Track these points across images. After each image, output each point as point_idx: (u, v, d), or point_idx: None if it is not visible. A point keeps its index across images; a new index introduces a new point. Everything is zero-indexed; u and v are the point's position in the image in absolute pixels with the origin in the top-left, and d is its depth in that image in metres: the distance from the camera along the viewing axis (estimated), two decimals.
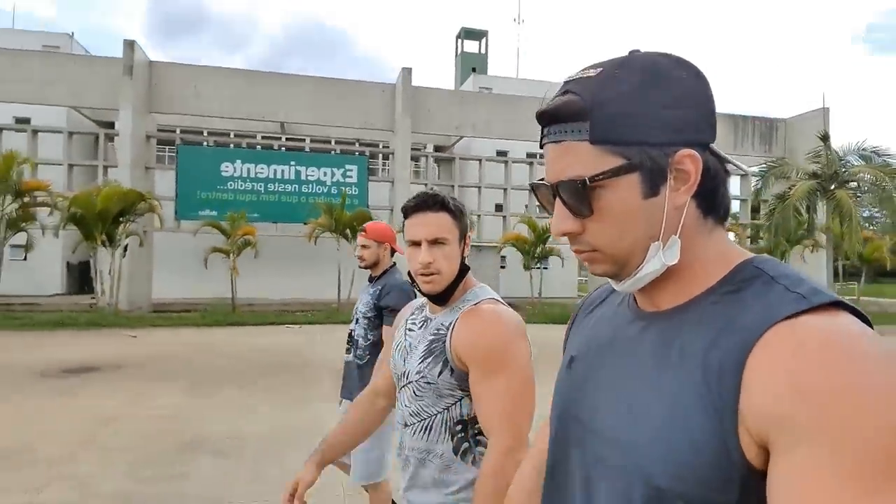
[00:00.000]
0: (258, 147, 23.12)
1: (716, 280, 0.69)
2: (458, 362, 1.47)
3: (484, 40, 41.51)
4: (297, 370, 8.80)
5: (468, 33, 41.16)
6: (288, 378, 8.14)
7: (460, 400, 1.50)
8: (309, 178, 21.99)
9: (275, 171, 21.77)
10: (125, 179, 18.51)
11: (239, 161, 21.55)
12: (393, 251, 3.20)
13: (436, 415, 1.51)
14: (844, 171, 15.54)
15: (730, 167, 0.74)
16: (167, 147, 24.49)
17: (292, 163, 22.05)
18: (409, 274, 1.65)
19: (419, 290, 1.60)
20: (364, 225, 3.19)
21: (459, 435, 1.50)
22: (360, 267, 3.17)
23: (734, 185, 25.58)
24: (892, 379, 0.54)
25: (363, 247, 3.13)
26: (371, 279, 3.17)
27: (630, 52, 0.71)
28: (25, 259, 23.72)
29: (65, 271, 25.86)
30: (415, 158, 24.07)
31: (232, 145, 23.12)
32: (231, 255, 15.73)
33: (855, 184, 15.71)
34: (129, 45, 19.56)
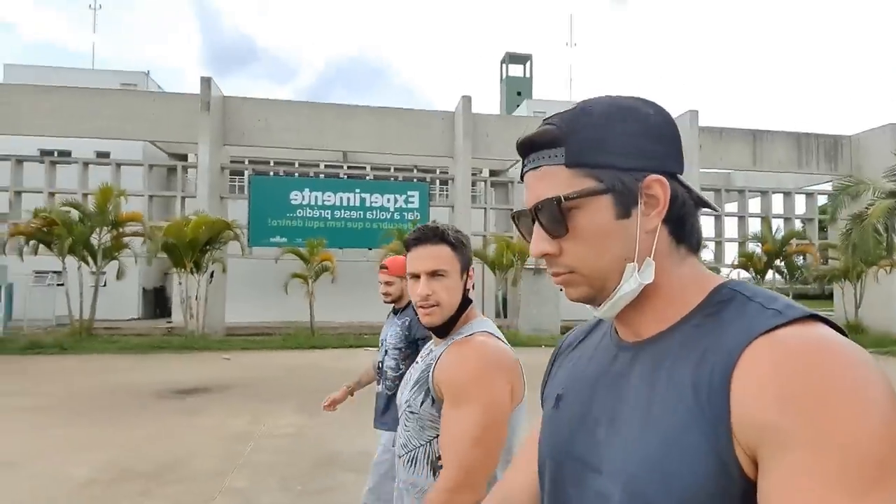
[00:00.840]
0: (323, 175, 24.01)
1: (694, 304, 0.73)
2: (438, 392, 1.45)
3: (528, 64, 41.98)
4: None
5: (512, 58, 41.69)
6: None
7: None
8: (373, 204, 22.67)
9: (340, 198, 22.53)
10: (203, 209, 19.49)
11: (307, 189, 22.38)
12: None
13: (419, 447, 1.50)
14: None
15: (701, 198, 0.78)
16: (236, 177, 25.57)
17: (357, 190, 22.78)
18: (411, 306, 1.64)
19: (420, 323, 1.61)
20: (384, 262, 3.21)
21: (440, 469, 1.43)
22: (385, 302, 3.22)
23: (800, 204, 25.17)
24: (868, 383, 0.56)
25: (387, 283, 3.17)
26: (395, 310, 3.23)
27: (602, 96, 0.78)
28: (105, 285, 25.07)
29: (141, 297, 27.03)
30: (472, 183, 24.55)
31: (297, 174, 24.03)
32: (309, 280, 16.30)
33: None
34: (206, 81, 20.70)
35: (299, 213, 22.21)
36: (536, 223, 0.76)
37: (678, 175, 0.75)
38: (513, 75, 41.07)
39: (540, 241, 0.76)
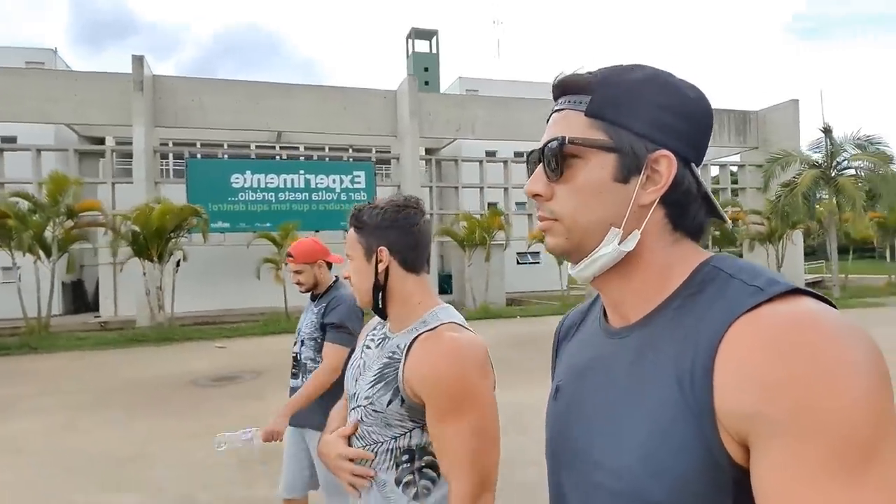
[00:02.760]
0: (255, 157, 23.30)
1: (678, 284, 0.72)
2: (412, 394, 1.36)
3: (435, 39, 42.10)
4: None
5: (418, 33, 41.57)
6: None
7: (411, 431, 1.40)
8: (318, 185, 22.30)
9: (284, 180, 21.98)
10: (140, 194, 18.44)
11: (248, 172, 21.65)
12: (329, 265, 3.02)
13: (381, 442, 1.42)
14: (844, 160, 17.26)
15: (709, 192, 0.76)
16: (163, 161, 24.25)
17: (301, 171, 22.31)
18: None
19: None
20: (289, 250, 2.99)
21: (405, 465, 1.40)
22: (301, 292, 3.01)
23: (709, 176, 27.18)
24: (852, 358, 0.55)
25: (296, 272, 2.95)
26: (314, 297, 3.01)
27: (651, 66, 0.76)
28: (20, 280, 23.16)
29: (60, 292, 25.22)
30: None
31: (227, 156, 23.15)
32: (282, 265, 15.94)
33: (852, 171, 17.45)
34: (139, 60, 19.52)
35: (241, 196, 21.44)
36: (540, 163, 0.77)
37: (693, 165, 0.74)
38: (419, 51, 40.87)
39: (535, 181, 0.77)
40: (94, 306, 24.74)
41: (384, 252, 1.46)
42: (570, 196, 0.74)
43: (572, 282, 31.35)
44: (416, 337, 1.39)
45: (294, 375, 2.92)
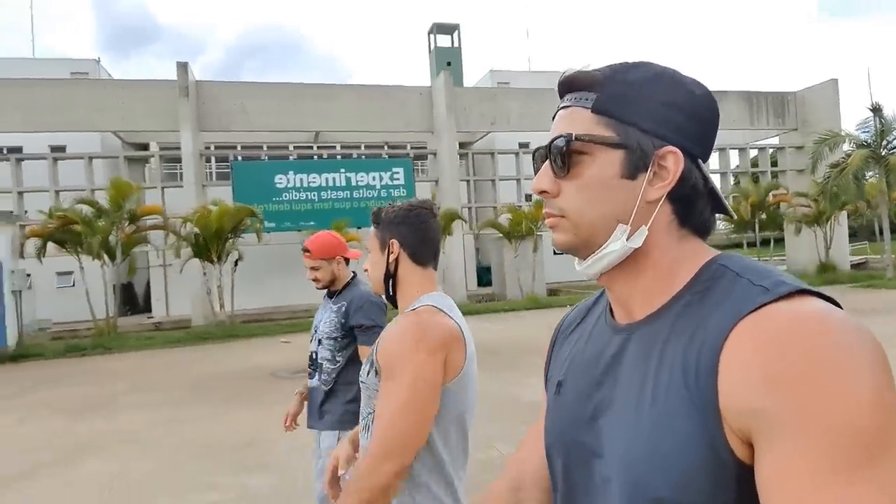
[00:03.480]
0: (294, 157, 23.75)
1: (685, 282, 0.72)
2: (378, 364, 1.52)
3: (456, 34, 42.12)
4: (488, 355, 9.73)
5: (440, 28, 41.55)
6: (491, 360, 9.07)
7: None
8: (359, 183, 22.65)
9: (326, 179, 22.38)
10: (189, 198, 19.00)
11: (291, 172, 22.12)
12: (347, 260, 2.87)
13: (369, 414, 1.56)
14: (894, 140, 17.11)
15: (716, 187, 0.77)
16: (208, 164, 24.83)
17: (342, 170, 22.68)
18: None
19: None
20: (305, 244, 2.82)
21: None
22: (318, 289, 2.86)
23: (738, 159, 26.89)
24: (856, 357, 0.55)
25: (312, 268, 2.79)
26: (331, 294, 2.85)
27: (656, 63, 0.77)
28: (74, 285, 23.91)
29: (112, 295, 26.02)
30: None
31: (266, 157, 23.63)
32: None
33: None
34: (183, 66, 20.03)
35: (285, 196, 21.92)
36: (547, 160, 0.77)
37: (700, 161, 0.75)
38: (441, 46, 40.78)
39: (542, 178, 0.77)
40: (144, 308, 25.48)
41: (395, 244, 1.64)
42: (577, 192, 0.74)
43: None
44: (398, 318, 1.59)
45: (311, 375, 2.79)
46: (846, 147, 17.64)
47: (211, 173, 24.94)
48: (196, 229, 14.80)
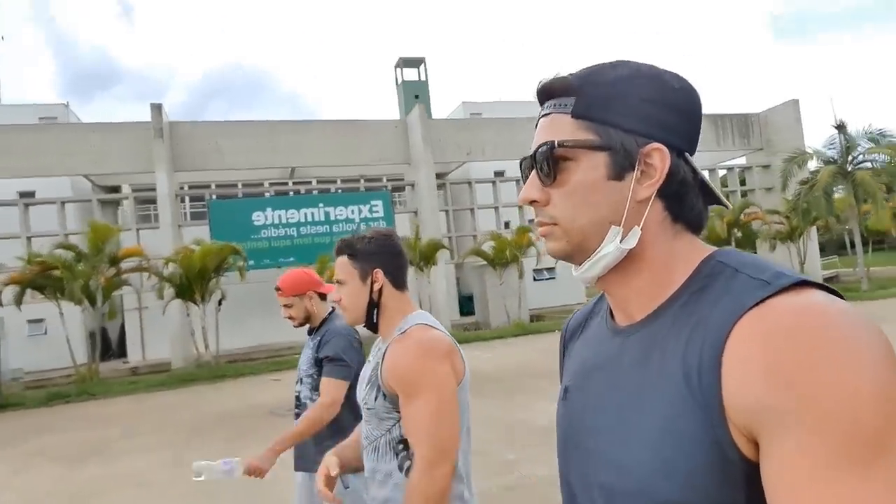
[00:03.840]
0: (269, 194, 23.67)
1: (682, 280, 0.71)
2: (388, 388, 1.59)
3: (422, 67, 42.75)
4: (490, 382, 9.69)
5: (406, 62, 42.15)
6: (495, 386, 9.03)
7: (398, 421, 1.61)
8: (338, 217, 22.63)
9: (304, 214, 22.33)
10: (166, 239, 18.76)
11: (269, 209, 22.01)
12: (322, 295, 2.83)
13: (380, 437, 1.64)
14: (859, 155, 17.76)
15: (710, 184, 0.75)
16: (182, 204, 24.56)
17: (320, 204, 22.66)
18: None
19: None
20: (277, 282, 2.81)
21: (403, 453, 1.61)
22: (294, 327, 2.84)
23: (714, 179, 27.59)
24: (860, 349, 0.54)
25: (286, 306, 2.78)
26: (310, 331, 2.84)
27: (631, 60, 0.76)
28: (46, 333, 23.24)
29: (87, 341, 25.34)
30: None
31: (241, 195, 23.49)
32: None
33: (868, 164, 17.93)
34: (157, 108, 19.96)
35: (264, 233, 21.76)
36: (533, 169, 0.76)
37: (687, 154, 0.74)
38: (408, 79, 41.32)
39: (530, 188, 0.76)
40: (118, 353, 24.84)
41: (379, 273, 1.72)
42: (566, 199, 0.73)
43: (591, 293, 31.67)
44: (391, 342, 1.66)
45: (297, 416, 2.76)
46: (813, 164, 18.27)
47: (186, 213, 24.66)
48: (179, 269, 14.54)
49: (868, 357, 0.54)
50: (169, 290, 14.88)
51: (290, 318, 2.79)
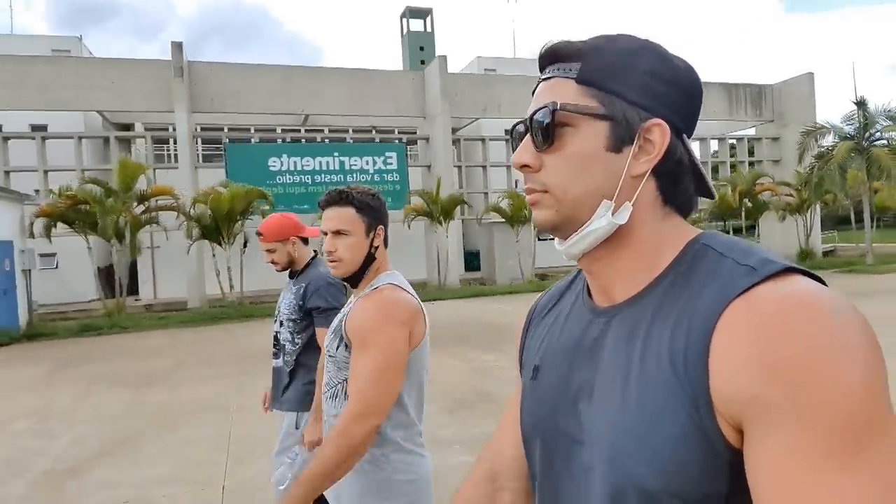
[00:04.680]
0: (282, 140, 23.68)
1: (668, 262, 0.70)
2: (348, 338, 1.68)
3: (429, 18, 41.94)
4: (482, 333, 10.12)
5: (413, 12, 41.30)
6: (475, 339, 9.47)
7: None
8: (352, 167, 22.72)
9: (320, 162, 22.39)
10: (185, 179, 18.90)
11: (285, 155, 22.06)
12: (305, 240, 2.88)
13: (338, 384, 1.72)
14: (876, 132, 18.08)
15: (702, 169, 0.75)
16: (198, 145, 24.54)
17: (336, 154, 22.72)
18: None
19: None
20: (259, 229, 2.83)
21: None
22: (277, 271, 2.86)
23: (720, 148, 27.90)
24: (848, 337, 0.54)
25: (268, 251, 2.81)
26: (292, 275, 2.85)
27: (638, 35, 0.74)
28: (57, 267, 23.41)
29: (96, 277, 25.58)
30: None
31: (253, 140, 23.49)
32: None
33: (885, 142, 18.26)
34: (178, 46, 19.80)
35: (279, 179, 21.86)
36: (528, 135, 0.73)
37: (684, 136, 0.73)
38: (414, 30, 40.54)
39: (523, 151, 0.74)
40: (127, 290, 25.12)
41: (382, 230, 1.79)
42: (560, 166, 0.71)
43: None
44: (361, 296, 1.74)
45: (275, 356, 2.81)
46: (829, 139, 18.60)
47: (198, 155, 24.61)
48: (208, 210, 14.73)
49: (856, 348, 0.54)
50: (195, 231, 15.07)
51: (273, 262, 2.82)
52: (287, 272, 2.85)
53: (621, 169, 0.70)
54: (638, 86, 0.69)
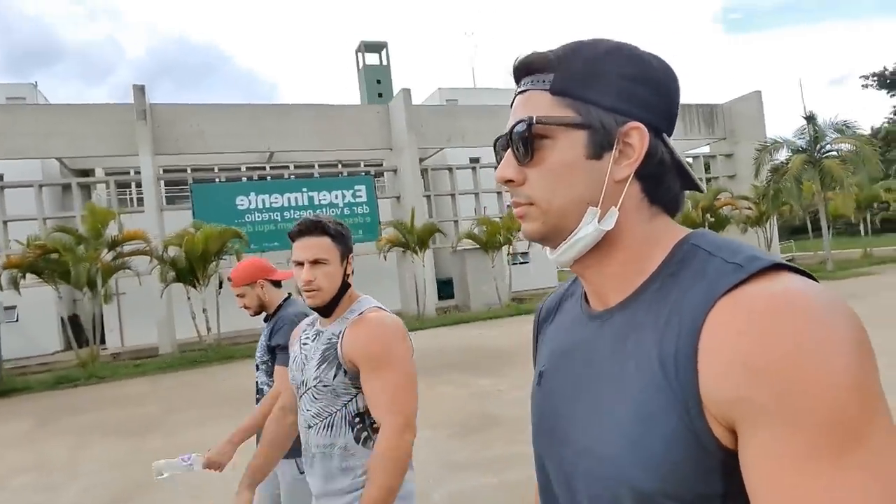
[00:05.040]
0: (246, 179, 23.55)
1: (658, 264, 0.70)
2: (349, 364, 1.70)
3: (384, 52, 42.46)
4: (472, 359, 10.18)
5: (368, 46, 41.71)
6: (465, 366, 9.53)
7: (355, 396, 1.73)
8: (322, 201, 22.69)
9: (288, 198, 22.31)
10: (152, 222, 18.58)
11: (253, 193, 21.92)
12: (277, 283, 2.92)
13: (335, 412, 1.73)
14: (826, 144, 19.03)
15: (686, 163, 0.75)
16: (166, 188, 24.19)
17: (304, 189, 22.68)
18: (298, 289, 1.80)
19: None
20: (229, 275, 2.90)
21: (359, 426, 1.72)
22: (251, 315, 2.90)
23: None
24: (836, 334, 0.54)
25: (239, 296, 2.85)
26: (267, 318, 2.89)
27: (609, 38, 0.74)
28: (17, 320, 22.61)
29: (60, 327, 24.73)
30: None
31: (218, 179, 23.31)
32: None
33: (835, 153, 19.20)
34: (140, 89, 19.65)
35: (248, 217, 21.66)
36: (509, 149, 0.74)
37: (665, 135, 0.73)
38: (370, 64, 40.97)
39: (506, 166, 0.74)
40: (92, 340, 24.35)
41: (352, 258, 1.85)
42: (543, 178, 0.72)
43: (563, 276, 32.50)
44: (348, 323, 1.76)
45: (258, 401, 2.84)
46: (783, 153, 19.50)
47: (162, 198, 24.26)
48: (181, 252, 14.52)
49: (844, 346, 0.53)
50: (170, 274, 14.83)
51: (245, 307, 2.85)
52: (264, 317, 2.87)
53: (603, 175, 0.70)
54: (612, 90, 0.70)
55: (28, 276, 13.76)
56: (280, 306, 2.84)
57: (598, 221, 0.70)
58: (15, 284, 13.44)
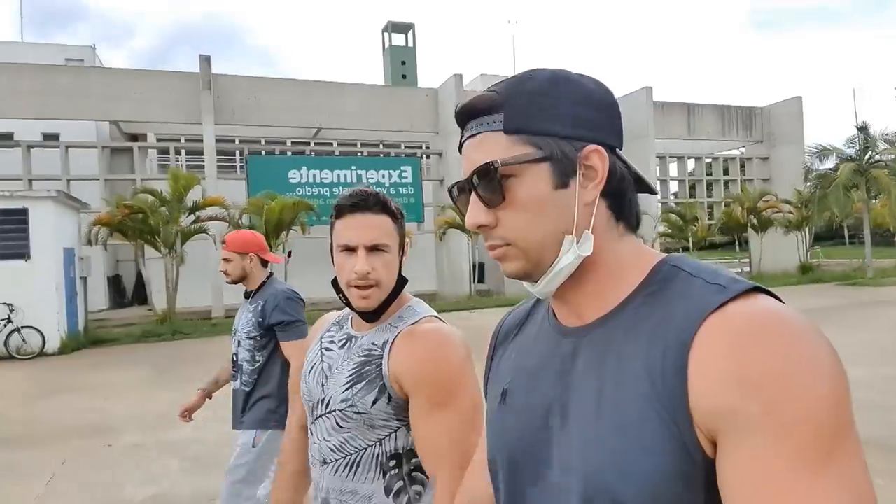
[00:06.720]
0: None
1: (636, 283, 0.71)
2: (399, 389, 1.30)
3: (411, 33, 42.38)
4: None
5: (395, 27, 41.63)
6: None
7: (395, 431, 1.32)
8: (369, 180, 23.28)
9: (337, 175, 22.91)
10: (211, 189, 19.19)
11: (304, 167, 22.52)
12: (264, 262, 2.91)
13: (364, 449, 1.32)
14: (876, 154, 19.58)
15: (643, 178, 0.77)
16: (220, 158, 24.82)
17: (353, 167, 23.28)
18: (333, 285, 1.40)
19: (346, 304, 1.40)
20: (225, 237, 2.93)
21: (393, 472, 1.32)
22: (227, 283, 2.88)
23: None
24: (817, 353, 0.57)
25: (225, 260, 2.83)
26: (247, 294, 2.88)
27: (544, 67, 0.76)
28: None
29: (107, 287, 25.45)
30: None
31: (263, 152, 23.89)
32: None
33: (884, 164, 19.74)
34: (206, 59, 20.19)
35: (298, 191, 22.22)
36: (473, 193, 0.73)
37: (618, 150, 0.75)
38: (396, 44, 40.94)
39: (476, 212, 0.73)
40: (133, 300, 25.00)
41: (408, 247, 1.43)
42: (516, 217, 0.72)
43: None
44: (398, 333, 1.34)
45: (233, 377, 2.83)
46: (831, 161, 20.09)
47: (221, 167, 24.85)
48: (259, 221, 15.16)
49: (824, 363, 0.57)
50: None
51: (226, 273, 2.83)
52: (244, 292, 2.91)
53: (573, 201, 0.71)
54: (564, 119, 0.71)
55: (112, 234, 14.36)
56: (263, 283, 2.86)
57: (577, 246, 0.71)
58: (103, 243, 14.08)
